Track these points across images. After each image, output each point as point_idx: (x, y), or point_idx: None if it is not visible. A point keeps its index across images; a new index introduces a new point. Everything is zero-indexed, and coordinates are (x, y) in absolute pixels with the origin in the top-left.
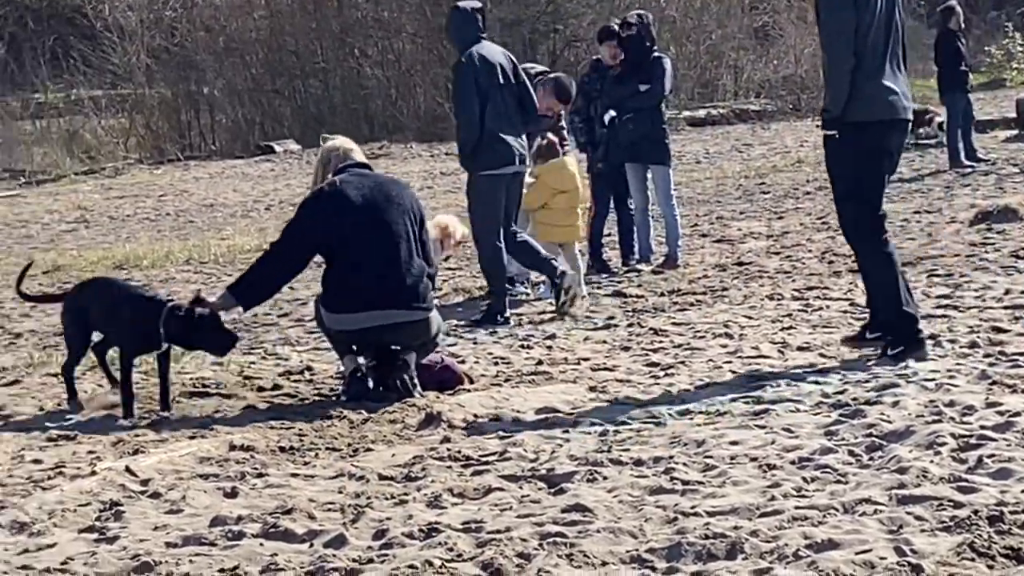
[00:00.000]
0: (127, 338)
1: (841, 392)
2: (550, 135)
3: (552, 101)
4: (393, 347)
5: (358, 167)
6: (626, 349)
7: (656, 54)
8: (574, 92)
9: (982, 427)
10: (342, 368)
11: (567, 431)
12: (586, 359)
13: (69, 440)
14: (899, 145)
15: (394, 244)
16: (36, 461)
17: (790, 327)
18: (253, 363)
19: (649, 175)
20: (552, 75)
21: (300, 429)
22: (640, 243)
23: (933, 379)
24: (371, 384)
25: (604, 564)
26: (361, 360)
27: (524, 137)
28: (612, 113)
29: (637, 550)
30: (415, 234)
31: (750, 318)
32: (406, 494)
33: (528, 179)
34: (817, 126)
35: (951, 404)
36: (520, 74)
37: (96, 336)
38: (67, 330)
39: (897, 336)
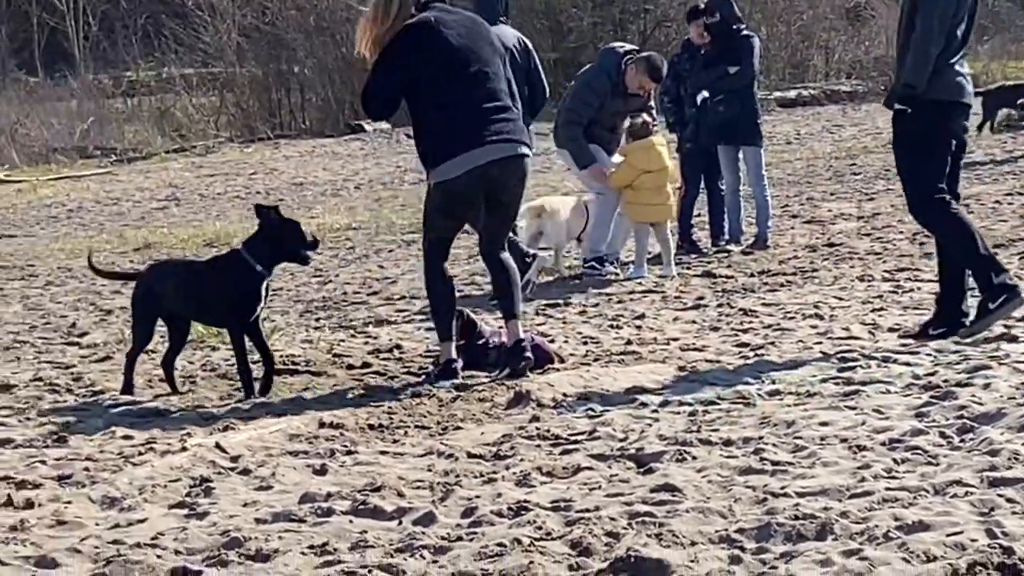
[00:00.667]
0: (228, 307)
1: (932, 373)
2: (643, 115)
3: (644, 79)
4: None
5: (440, 1)
6: (715, 329)
7: (744, 33)
8: (665, 71)
9: None
10: (438, 351)
11: (656, 411)
12: (675, 339)
13: (160, 416)
14: (964, 128)
15: (494, 80)
16: (127, 437)
17: (881, 308)
18: (343, 341)
19: (741, 155)
20: (644, 54)
21: (389, 407)
22: (731, 224)
23: None
24: (461, 373)
25: (693, 544)
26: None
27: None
28: (704, 94)
29: (726, 530)
30: (506, 72)
31: (840, 299)
32: (495, 472)
33: (616, 158)
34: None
35: None
36: (534, 59)
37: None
38: (136, 316)
39: (993, 290)
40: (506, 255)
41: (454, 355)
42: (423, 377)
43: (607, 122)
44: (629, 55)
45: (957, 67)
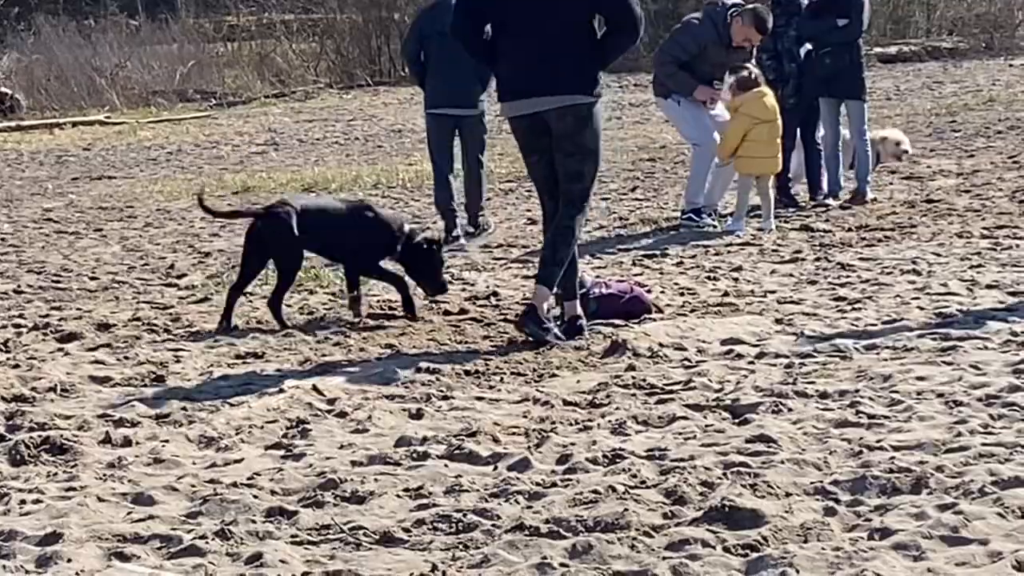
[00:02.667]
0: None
1: None
2: (750, 66)
3: (750, 31)
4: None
5: None
6: (813, 283)
7: None
8: (771, 23)
9: None
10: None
11: (752, 362)
12: (772, 292)
13: (257, 358)
14: None
15: (548, 26)
16: (224, 377)
17: (979, 265)
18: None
19: (843, 109)
20: (750, 6)
21: (486, 353)
22: (830, 178)
23: None
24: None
25: (788, 495)
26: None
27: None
28: (808, 47)
29: (821, 482)
30: (573, 18)
31: (938, 255)
32: (590, 420)
33: (721, 109)
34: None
35: None
36: None
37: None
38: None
39: None
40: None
41: (579, 311)
42: (547, 334)
43: (707, 73)
44: (735, 6)
45: None
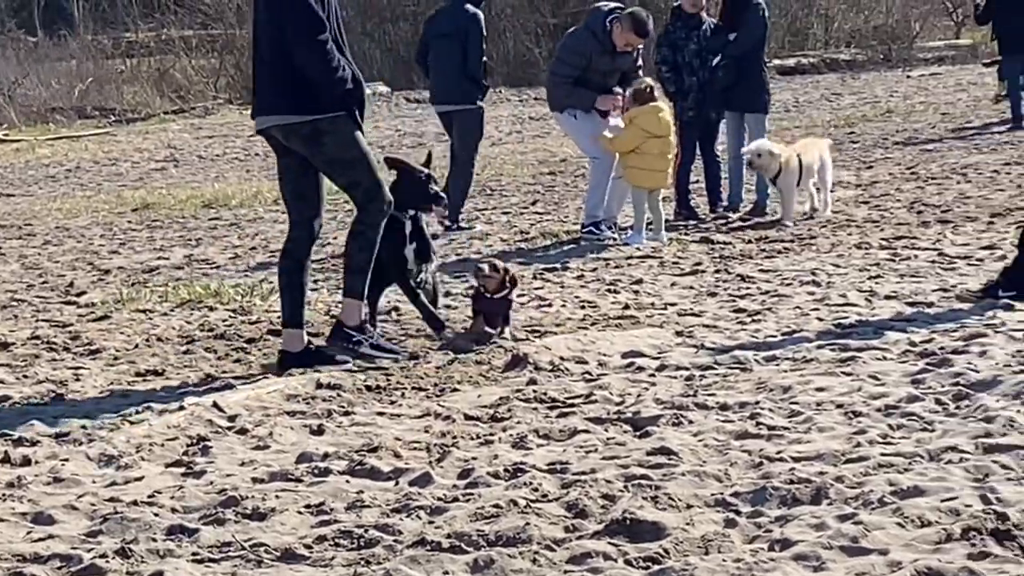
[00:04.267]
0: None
1: (928, 341)
2: (647, 79)
3: (630, 36)
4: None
5: None
6: (713, 295)
7: (754, 1)
8: (651, 26)
9: None
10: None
11: (653, 375)
12: (672, 304)
13: (157, 375)
14: None
15: (261, 45)
16: (124, 395)
17: (877, 276)
18: (340, 303)
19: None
20: (628, 10)
21: (387, 368)
22: (731, 190)
23: (1021, 329)
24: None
25: (689, 507)
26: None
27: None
28: (716, 60)
29: (722, 493)
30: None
31: (837, 266)
32: (492, 434)
33: (618, 121)
34: None
35: None
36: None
37: None
38: None
39: (1013, 283)
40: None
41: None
42: (358, 346)
43: (597, 83)
44: (613, 12)
45: None
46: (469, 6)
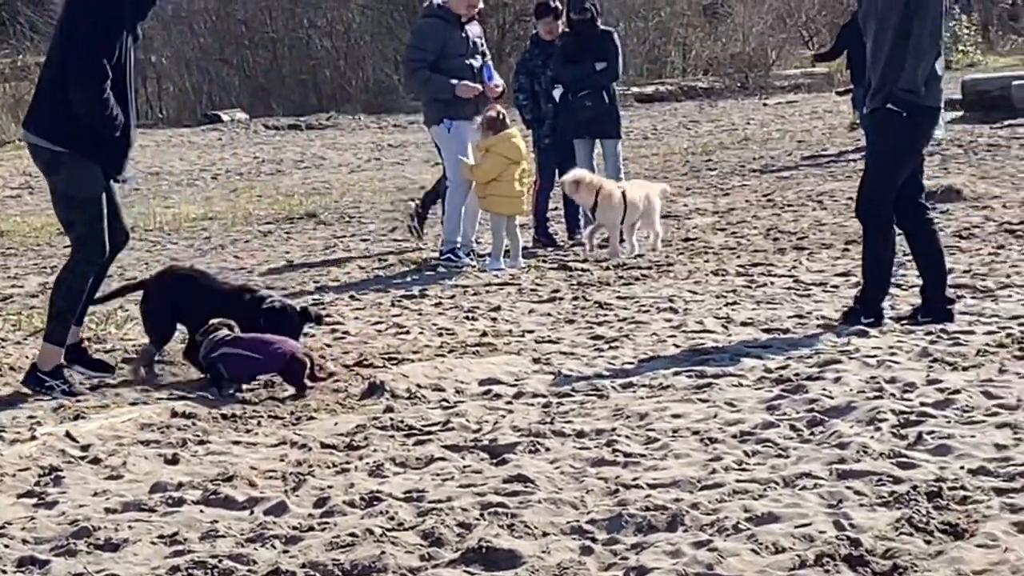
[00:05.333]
0: None
1: (784, 367)
2: (498, 106)
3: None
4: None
5: None
6: (571, 322)
7: (606, 29)
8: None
9: (922, 404)
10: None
11: (510, 402)
12: (530, 331)
13: (9, 405)
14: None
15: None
16: None
17: (734, 303)
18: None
19: (597, 149)
20: None
21: (243, 397)
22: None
23: (875, 356)
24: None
25: (545, 535)
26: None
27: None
28: (560, 89)
29: (578, 521)
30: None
31: (695, 293)
32: (348, 463)
33: (470, 150)
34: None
35: (892, 381)
36: None
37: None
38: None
39: (874, 310)
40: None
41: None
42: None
43: (463, 67)
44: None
45: (939, 71)
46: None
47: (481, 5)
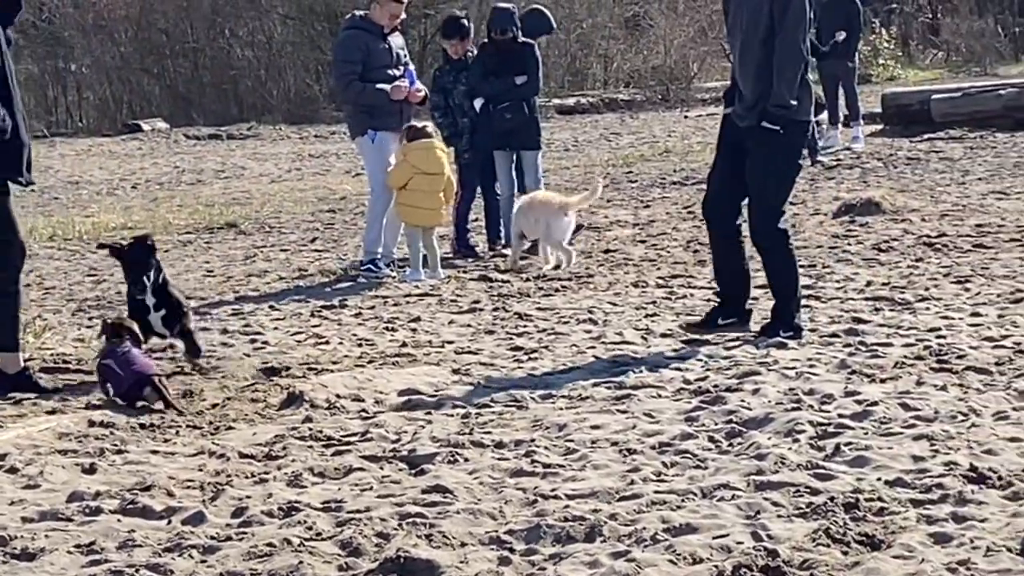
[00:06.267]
0: None
1: (702, 379)
2: (428, 123)
3: (390, 5)
4: None
5: None
6: (490, 333)
7: (523, 40)
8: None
9: (840, 415)
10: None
11: (429, 413)
12: (450, 342)
13: None
14: None
15: None
16: None
17: (654, 314)
18: None
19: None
20: None
21: (160, 407)
22: (507, 228)
23: (793, 368)
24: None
25: (463, 545)
26: None
27: None
28: (480, 102)
29: (496, 531)
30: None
31: (614, 304)
32: (266, 473)
33: (392, 158)
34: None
35: (810, 392)
36: None
37: None
38: None
39: (790, 326)
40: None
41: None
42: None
43: (382, 81)
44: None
45: (810, 81)
46: None
47: (403, 16)
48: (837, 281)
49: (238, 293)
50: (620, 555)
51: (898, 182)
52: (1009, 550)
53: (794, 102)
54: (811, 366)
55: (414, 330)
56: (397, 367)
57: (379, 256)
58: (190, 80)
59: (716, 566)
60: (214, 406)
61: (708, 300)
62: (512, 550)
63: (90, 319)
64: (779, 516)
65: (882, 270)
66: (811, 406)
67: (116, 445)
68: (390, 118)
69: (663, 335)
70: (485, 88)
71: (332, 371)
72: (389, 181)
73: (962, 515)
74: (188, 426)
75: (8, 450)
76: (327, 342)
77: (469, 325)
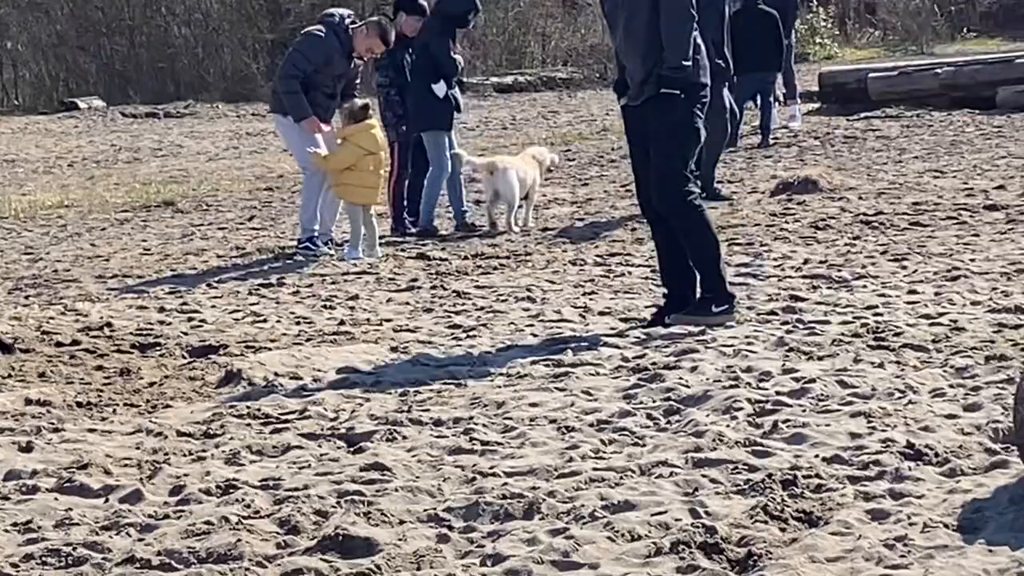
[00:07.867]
0: None
1: (640, 356)
2: (366, 99)
3: (374, 42)
4: None
5: None
6: (429, 311)
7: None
8: (393, 37)
9: (778, 393)
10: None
11: (367, 391)
12: (388, 320)
13: None
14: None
15: None
16: None
17: (592, 292)
18: (52, 318)
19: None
20: (372, 19)
21: (99, 384)
22: (454, 206)
23: (731, 345)
24: None
25: (402, 523)
26: None
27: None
28: (443, 87)
29: (435, 509)
30: None
31: (552, 282)
32: (204, 451)
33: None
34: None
35: (748, 370)
36: None
37: None
38: None
39: (720, 295)
40: None
41: None
42: None
43: (328, 86)
44: (353, 20)
45: (699, 44)
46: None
47: (380, 52)
48: (775, 259)
49: (175, 271)
50: (558, 532)
51: (835, 160)
52: (946, 526)
53: (687, 63)
54: (749, 344)
55: (352, 308)
56: (335, 345)
57: (316, 234)
58: (127, 58)
59: (654, 543)
60: (151, 384)
61: (646, 278)
62: (451, 527)
63: (26, 297)
64: (717, 493)
65: (819, 248)
66: (749, 383)
67: (53, 424)
68: (315, 109)
69: (601, 313)
70: (450, 68)
71: (270, 349)
72: (333, 163)
73: (899, 491)
74: (125, 404)
75: None
76: (265, 320)
77: (407, 303)
